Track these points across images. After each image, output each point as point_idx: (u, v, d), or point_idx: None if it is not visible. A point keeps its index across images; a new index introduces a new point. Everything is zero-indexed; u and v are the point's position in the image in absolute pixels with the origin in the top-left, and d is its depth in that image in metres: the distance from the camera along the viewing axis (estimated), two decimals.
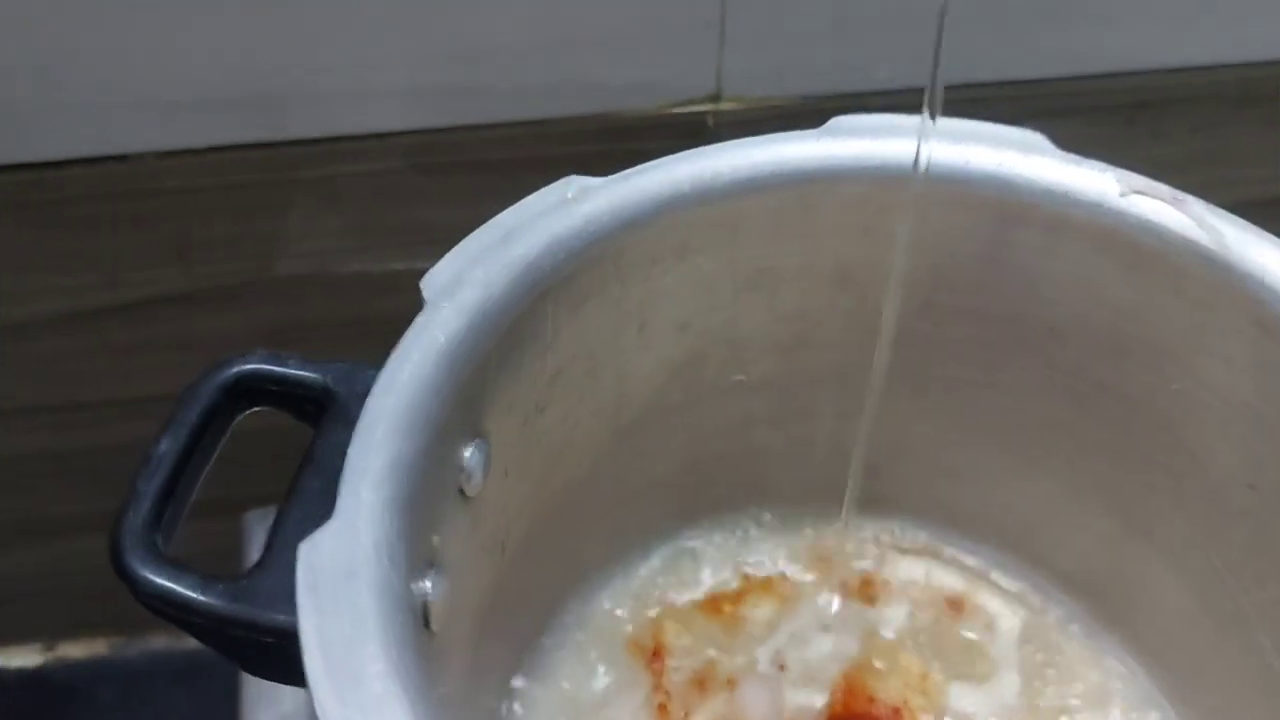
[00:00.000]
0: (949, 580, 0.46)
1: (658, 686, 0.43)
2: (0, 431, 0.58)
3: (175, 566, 0.29)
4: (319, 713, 0.25)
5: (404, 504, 0.29)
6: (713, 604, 0.45)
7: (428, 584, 0.31)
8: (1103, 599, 0.43)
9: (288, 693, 0.46)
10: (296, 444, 0.33)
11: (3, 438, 0.58)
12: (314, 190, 0.54)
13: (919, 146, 0.35)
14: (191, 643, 0.75)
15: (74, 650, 0.69)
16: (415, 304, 0.34)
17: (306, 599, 0.26)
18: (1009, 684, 0.43)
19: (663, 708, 0.42)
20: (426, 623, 0.31)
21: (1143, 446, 0.39)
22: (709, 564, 0.46)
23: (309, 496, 0.30)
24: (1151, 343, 0.37)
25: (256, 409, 0.34)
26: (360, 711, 0.25)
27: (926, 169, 0.36)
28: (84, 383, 0.57)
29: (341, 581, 0.27)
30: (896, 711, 0.43)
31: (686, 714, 0.42)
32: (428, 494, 0.30)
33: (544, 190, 0.36)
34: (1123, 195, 0.36)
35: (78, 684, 0.69)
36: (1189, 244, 0.35)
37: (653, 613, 0.45)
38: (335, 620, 0.26)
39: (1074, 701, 0.42)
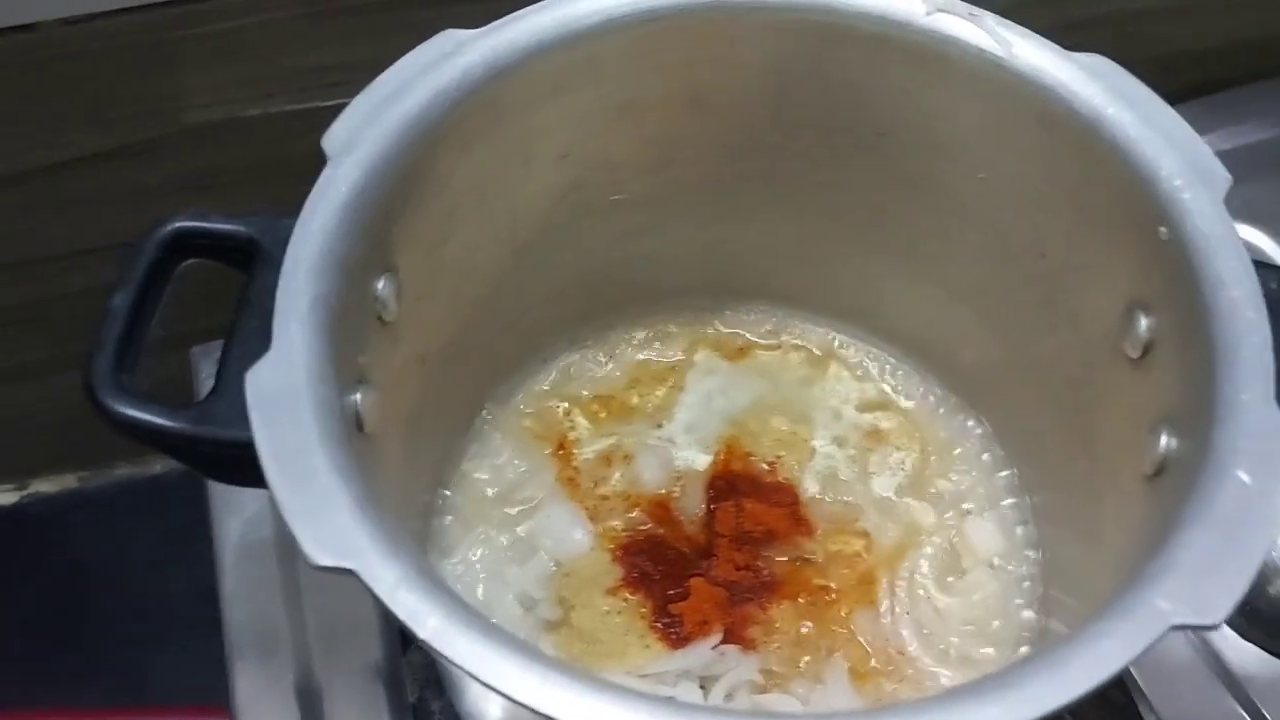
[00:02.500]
0: (806, 353, 0.53)
1: (566, 466, 0.50)
2: None
3: (144, 399, 0.35)
4: (279, 505, 0.31)
5: (329, 333, 0.35)
6: (609, 394, 0.52)
7: (358, 397, 0.37)
8: (934, 358, 0.51)
9: (249, 499, 0.53)
10: (228, 286, 0.39)
11: None
12: (215, 43, 0.57)
13: None
14: (155, 468, 0.82)
15: (46, 486, 0.74)
16: (319, 144, 0.38)
17: (257, 416, 0.32)
18: (863, 438, 0.51)
19: (572, 481, 0.49)
20: (361, 428, 0.37)
21: (957, 226, 0.45)
22: (605, 360, 0.53)
23: (249, 333, 0.36)
24: (959, 139, 0.43)
25: (192, 261, 0.39)
26: (311, 500, 0.31)
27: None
28: (27, 240, 0.61)
29: (284, 400, 0.33)
30: (772, 465, 0.50)
31: (595, 484, 0.50)
32: (349, 322, 0.36)
33: (423, 46, 0.40)
34: (929, 14, 0.41)
35: (52, 517, 0.75)
36: (983, 53, 0.40)
37: (559, 408, 0.51)
38: (282, 432, 0.32)
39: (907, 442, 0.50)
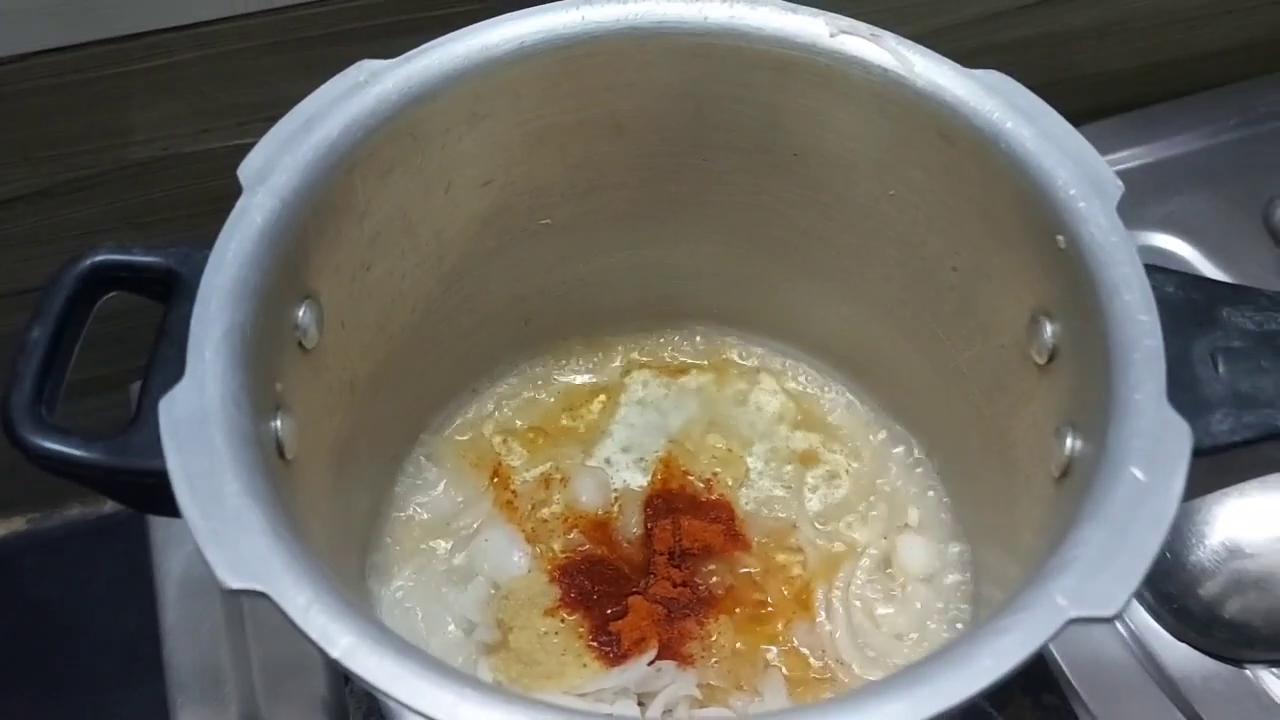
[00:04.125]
0: (740, 371, 0.54)
1: (503, 490, 0.50)
2: None
3: (61, 432, 0.35)
4: (191, 528, 0.32)
5: (242, 360, 0.35)
6: (546, 418, 0.52)
7: (277, 424, 0.37)
8: (863, 373, 0.52)
9: (189, 533, 0.53)
10: None
11: None
12: (151, 79, 0.57)
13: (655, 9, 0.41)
14: (105, 508, 0.81)
15: None
16: None
17: (170, 443, 0.33)
18: (797, 454, 0.52)
19: (509, 504, 0.50)
20: (282, 454, 0.37)
21: (875, 243, 0.46)
22: (541, 384, 0.53)
23: (166, 362, 0.36)
24: (870, 158, 0.44)
25: (112, 294, 0.39)
26: (222, 524, 0.32)
27: (671, 25, 0.42)
28: None
29: (196, 427, 0.33)
30: (708, 483, 0.51)
31: (533, 508, 0.50)
32: (265, 350, 0.37)
33: (338, 77, 0.41)
34: (832, 36, 0.42)
35: (2, 559, 0.75)
36: (886, 72, 0.41)
37: (495, 435, 0.52)
38: (194, 458, 0.33)
39: (839, 459, 0.51)
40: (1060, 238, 0.37)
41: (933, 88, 0.41)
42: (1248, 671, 0.52)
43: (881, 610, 0.47)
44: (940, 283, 0.45)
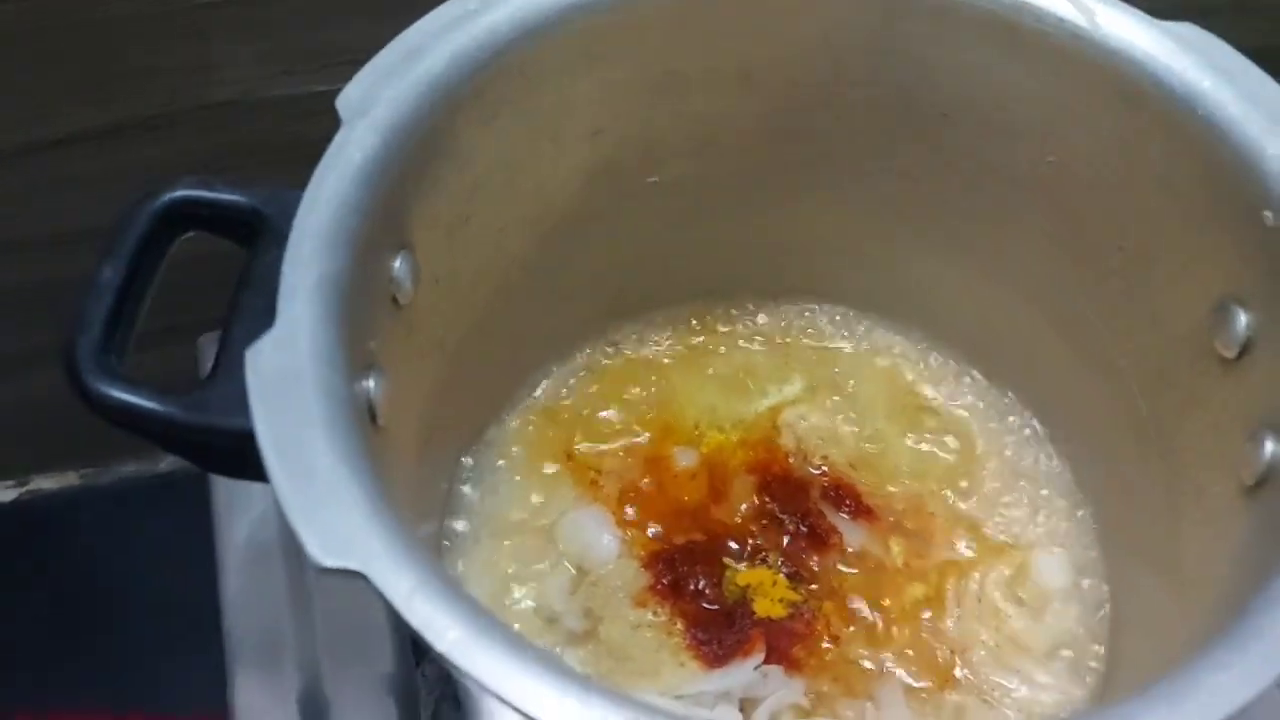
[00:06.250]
0: (856, 354, 0.49)
1: (591, 468, 0.46)
2: None
3: (133, 383, 0.32)
4: (281, 502, 0.28)
5: (337, 314, 0.31)
6: (642, 392, 0.48)
7: (370, 384, 0.34)
8: (994, 364, 0.47)
9: (257, 496, 0.49)
10: (236, 271, 0.35)
11: None
12: (231, 15, 0.54)
13: None
14: (161, 465, 0.78)
15: (47, 483, 0.72)
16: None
17: (257, 402, 0.29)
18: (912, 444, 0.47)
19: (595, 483, 0.46)
20: (374, 419, 0.34)
21: (1026, 217, 0.42)
22: (635, 356, 0.49)
23: (250, 313, 0.33)
24: (1031, 120, 0.39)
25: (190, 234, 0.36)
26: (316, 496, 0.28)
27: None
28: (25, 220, 0.58)
29: (288, 384, 0.29)
30: (820, 468, 0.47)
31: (623, 487, 0.46)
32: (360, 303, 0.33)
33: (445, 4, 0.37)
34: None
35: (53, 515, 0.72)
36: (1062, 23, 0.37)
37: (586, 405, 0.48)
38: (284, 419, 0.29)
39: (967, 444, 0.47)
40: (1268, 214, 0.33)
41: (1116, 41, 0.36)
42: None
43: (1013, 622, 0.43)
44: (1102, 265, 0.40)
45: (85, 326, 0.32)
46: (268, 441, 0.28)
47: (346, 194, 0.32)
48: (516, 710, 0.26)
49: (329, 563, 0.27)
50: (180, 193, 0.35)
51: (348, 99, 0.34)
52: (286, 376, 0.29)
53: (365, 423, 0.32)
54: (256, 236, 0.35)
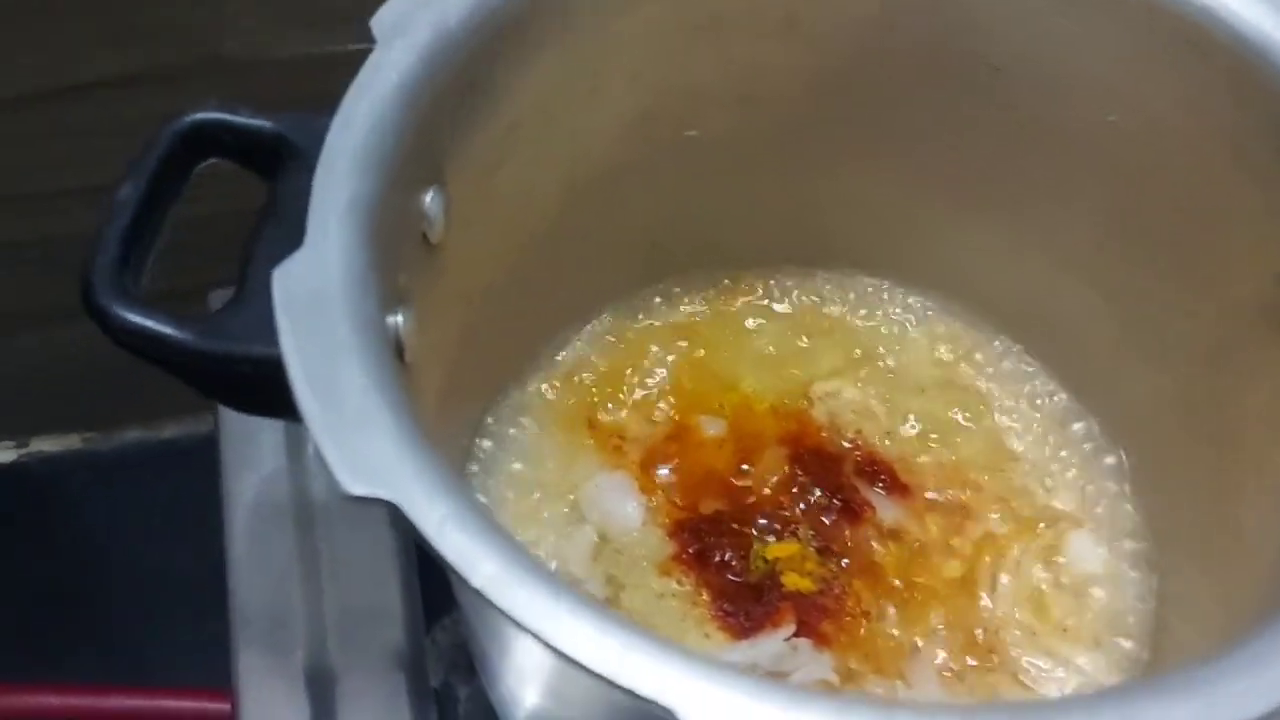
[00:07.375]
0: (894, 325, 0.48)
1: (615, 434, 0.45)
2: None
3: (149, 306, 0.30)
4: (308, 423, 0.26)
5: (369, 238, 0.30)
6: (669, 358, 0.47)
7: (399, 319, 0.32)
8: (1038, 336, 0.45)
9: (268, 454, 0.48)
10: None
11: None
12: None
13: None
14: (167, 432, 0.76)
15: (48, 445, 0.70)
16: None
17: (285, 322, 0.27)
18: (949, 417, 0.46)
19: (619, 449, 0.44)
20: (402, 355, 0.32)
21: (1079, 178, 0.40)
22: (664, 321, 0.48)
23: (273, 242, 0.31)
24: (1091, 74, 0.38)
25: (213, 160, 0.34)
26: (346, 420, 0.26)
27: None
28: (34, 171, 0.56)
29: (316, 307, 0.28)
30: (853, 441, 0.45)
31: (649, 454, 0.44)
32: (392, 233, 0.31)
33: None
34: None
35: (54, 478, 0.70)
36: None
37: (613, 371, 0.46)
38: (313, 342, 0.27)
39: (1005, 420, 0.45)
40: None
41: None
42: None
43: (1051, 603, 0.41)
44: (1160, 230, 0.38)
45: (101, 245, 0.30)
46: (295, 363, 0.27)
47: (382, 114, 0.31)
48: (557, 652, 0.24)
49: (358, 490, 0.25)
50: (205, 114, 0.33)
51: (384, 19, 0.33)
52: (317, 298, 0.28)
53: (394, 358, 0.31)
54: (280, 166, 0.33)
